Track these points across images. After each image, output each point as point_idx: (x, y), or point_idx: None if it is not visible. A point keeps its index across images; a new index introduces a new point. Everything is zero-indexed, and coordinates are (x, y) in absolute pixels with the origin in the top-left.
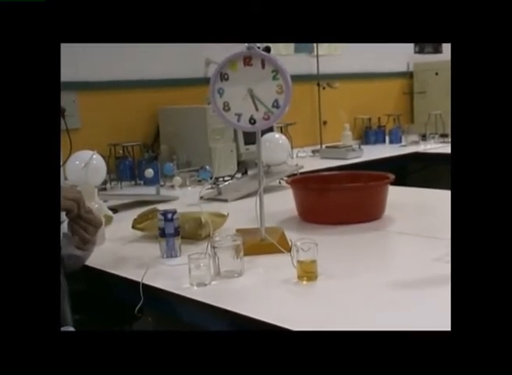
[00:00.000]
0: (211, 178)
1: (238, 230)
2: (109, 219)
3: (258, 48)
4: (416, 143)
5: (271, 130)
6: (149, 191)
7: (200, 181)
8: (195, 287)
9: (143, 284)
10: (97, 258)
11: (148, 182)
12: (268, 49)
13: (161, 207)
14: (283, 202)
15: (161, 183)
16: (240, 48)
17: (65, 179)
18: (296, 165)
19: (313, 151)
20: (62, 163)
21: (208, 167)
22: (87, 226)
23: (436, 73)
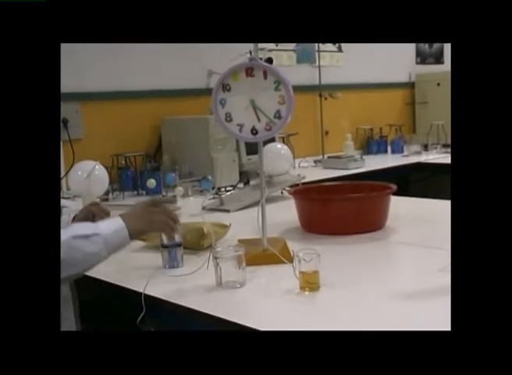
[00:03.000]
0: (213, 188)
1: (240, 241)
2: None
3: (260, 58)
4: (418, 153)
5: (273, 140)
6: None
7: (202, 191)
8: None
9: (145, 295)
10: (99, 269)
11: (150, 192)
12: (270, 60)
13: None
14: (285, 212)
15: (164, 193)
16: (242, 58)
17: (68, 189)
18: (299, 175)
19: (315, 162)
20: (64, 174)
21: (210, 177)
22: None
23: (438, 84)
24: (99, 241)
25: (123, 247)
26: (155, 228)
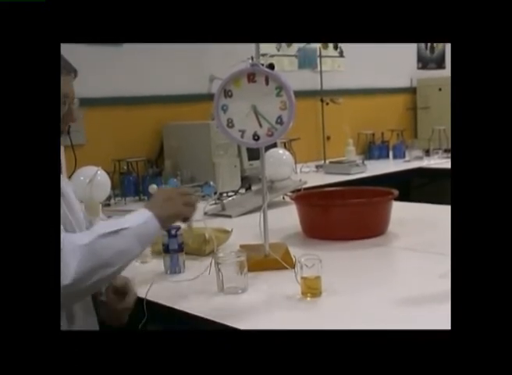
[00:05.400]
0: (214, 194)
1: (242, 246)
2: None
3: (262, 64)
4: (420, 158)
5: (274, 145)
6: None
7: (203, 197)
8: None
9: (147, 300)
10: None
11: None
12: (271, 66)
13: None
14: (287, 218)
15: None
16: (244, 64)
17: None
18: (300, 180)
19: (317, 167)
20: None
21: (211, 183)
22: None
23: (440, 89)
24: (129, 234)
25: (153, 240)
26: (181, 214)
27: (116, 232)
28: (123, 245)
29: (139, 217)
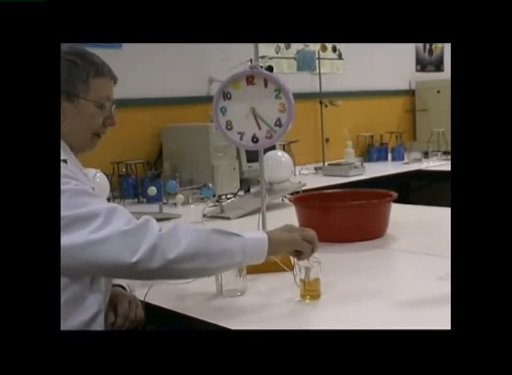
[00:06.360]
0: (213, 196)
1: None
2: None
3: (261, 67)
4: (418, 160)
5: (273, 147)
6: (152, 209)
7: (202, 199)
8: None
9: (145, 303)
10: None
11: (151, 200)
12: (270, 68)
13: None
14: (286, 220)
15: (164, 200)
16: (243, 66)
17: None
18: (299, 182)
19: (315, 169)
20: None
21: (210, 185)
22: None
23: (438, 91)
24: (239, 242)
25: (258, 259)
26: (296, 244)
27: (228, 234)
28: (229, 247)
29: (253, 234)
